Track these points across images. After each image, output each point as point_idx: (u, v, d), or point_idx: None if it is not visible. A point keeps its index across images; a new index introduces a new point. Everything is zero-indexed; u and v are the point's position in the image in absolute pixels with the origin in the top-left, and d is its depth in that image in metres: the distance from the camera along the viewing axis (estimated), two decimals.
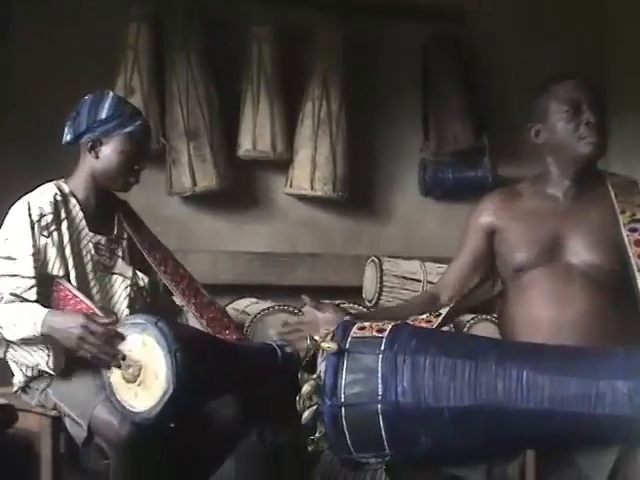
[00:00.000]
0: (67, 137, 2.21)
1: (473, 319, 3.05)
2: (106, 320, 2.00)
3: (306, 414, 1.61)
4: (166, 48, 3.34)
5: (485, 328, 2.95)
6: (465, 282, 2.10)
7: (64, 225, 2.15)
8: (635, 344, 1.71)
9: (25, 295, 2.06)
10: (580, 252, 1.95)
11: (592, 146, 1.94)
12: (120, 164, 2.19)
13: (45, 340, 2.02)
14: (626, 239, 1.88)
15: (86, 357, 2.00)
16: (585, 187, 2.02)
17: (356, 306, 3.13)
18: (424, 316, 1.94)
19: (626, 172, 2.20)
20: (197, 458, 2.19)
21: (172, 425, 2.01)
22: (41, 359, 2.06)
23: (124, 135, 2.17)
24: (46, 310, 2.02)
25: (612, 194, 1.99)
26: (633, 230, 1.89)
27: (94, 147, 2.19)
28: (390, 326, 1.67)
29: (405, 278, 3.25)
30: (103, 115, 2.17)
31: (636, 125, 3.58)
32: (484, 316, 3.03)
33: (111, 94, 2.23)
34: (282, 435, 2.67)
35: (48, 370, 2.07)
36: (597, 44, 3.76)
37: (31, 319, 2.00)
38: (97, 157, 2.19)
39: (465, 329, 3.01)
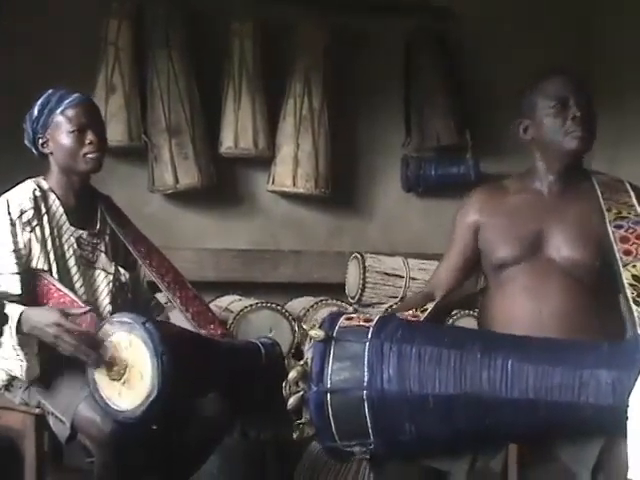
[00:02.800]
0: (33, 150, 2.24)
1: (456, 314, 3.05)
2: (79, 311, 1.99)
3: (292, 400, 1.61)
4: (147, 45, 3.33)
5: (468, 323, 2.95)
6: (457, 280, 2.12)
7: (45, 219, 2.15)
8: (612, 338, 1.74)
9: (10, 291, 2.05)
10: (561, 247, 1.97)
11: (578, 141, 1.95)
12: (69, 144, 2.17)
13: (24, 341, 2.00)
14: (612, 236, 1.89)
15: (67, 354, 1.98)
16: (570, 184, 2.03)
17: (339, 302, 3.13)
18: (410, 312, 1.94)
19: (610, 169, 2.22)
20: (180, 455, 2.18)
21: (154, 427, 2.00)
22: (15, 366, 2.04)
23: (59, 117, 2.18)
24: (21, 308, 2.00)
25: (598, 191, 2.00)
26: (619, 227, 1.91)
27: (45, 145, 2.20)
28: (377, 317, 1.67)
29: (388, 274, 3.25)
30: (35, 113, 2.20)
31: (620, 123, 3.60)
32: (467, 311, 3.04)
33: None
34: (266, 432, 2.67)
35: (21, 378, 2.06)
36: (582, 43, 3.78)
37: (10, 323, 1.98)
38: (52, 152, 2.20)
39: (448, 323, 3.02)
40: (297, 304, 3.20)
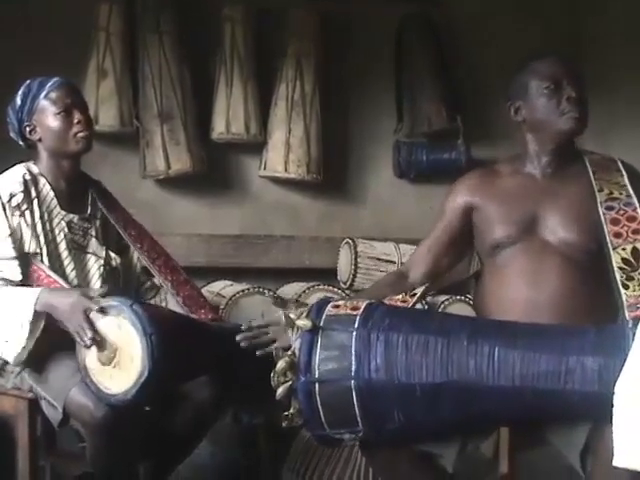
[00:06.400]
0: (20, 142, 2.25)
1: (447, 300, 3.07)
2: (100, 291, 2.02)
3: (280, 390, 1.62)
4: (139, 30, 3.31)
5: (460, 308, 2.97)
6: (437, 261, 2.09)
7: (35, 203, 2.16)
8: (608, 321, 1.73)
9: (9, 277, 2.06)
10: (556, 229, 1.96)
11: (574, 121, 1.94)
12: (58, 126, 2.18)
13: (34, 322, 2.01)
14: (602, 217, 1.88)
15: (60, 339, 1.99)
16: (563, 165, 2.02)
17: (331, 288, 3.14)
18: (399, 296, 1.94)
19: (602, 152, 2.21)
20: (172, 440, 2.20)
21: (147, 409, 2.01)
22: (2, 348, 2.05)
23: (43, 102, 2.19)
24: (39, 289, 2.03)
25: (590, 172, 1.99)
26: (610, 208, 1.89)
27: (32, 132, 2.21)
28: (364, 304, 1.68)
29: (380, 260, 3.26)
30: (18, 102, 2.20)
31: (611, 106, 3.61)
32: (458, 297, 3.05)
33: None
34: (258, 416, 2.68)
35: (8, 360, 2.07)
36: (573, 26, 3.78)
37: (24, 301, 2.00)
38: (40, 138, 2.21)
39: (439, 310, 3.03)
40: (289, 289, 3.21)
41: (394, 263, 3.24)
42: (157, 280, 2.35)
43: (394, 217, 3.66)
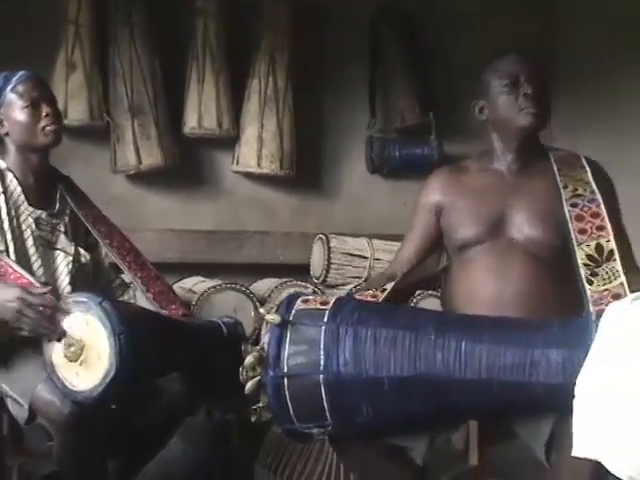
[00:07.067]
0: None
1: (419, 295, 3.07)
2: (42, 290, 1.98)
3: (249, 385, 1.62)
4: (109, 23, 3.29)
5: (431, 303, 2.97)
6: (420, 260, 2.11)
7: (1, 199, 2.13)
8: (573, 316, 1.74)
9: None
10: (522, 227, 1.97)
11: (531, 117, 1.95)
12: (25, 119, 2.15)
13: None
14: (567, 214, 1.89)
15: (25, 335, 1.97)
16: (529, 162, 2.03)
17: (304, 283, 3.14)
18: (370, 292, 1.94)
19: (566, 145, 2.22)
20: (141, 437, 2.18)
21: (114, 407, 2.00)
22: None
23: (10, 95, 2.16)
24: None
25: (555, 168, 2.01)
26: (574, 205, 1.91)
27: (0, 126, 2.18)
28: (334, 299, 1.68)
29: (352, 255, 3.26)
30: None
31: (579, 103, 3.64)
32: (430, 292, 3.06)
33: None
34: (231, 413, 2.67)
35: None
36: (546, 25, 3.80)
37: None
38: (7, 132, 2.18)
39: (412, 304, 3.03)
40: (262, 285, 3.20)
41: (366, 258, 3.25)
42: (127, 276, 2.33)
43: (367, 212, 3.67)
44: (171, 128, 3.35)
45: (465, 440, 1.89)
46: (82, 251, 2.25)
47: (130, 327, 1.92)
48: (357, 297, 1.87)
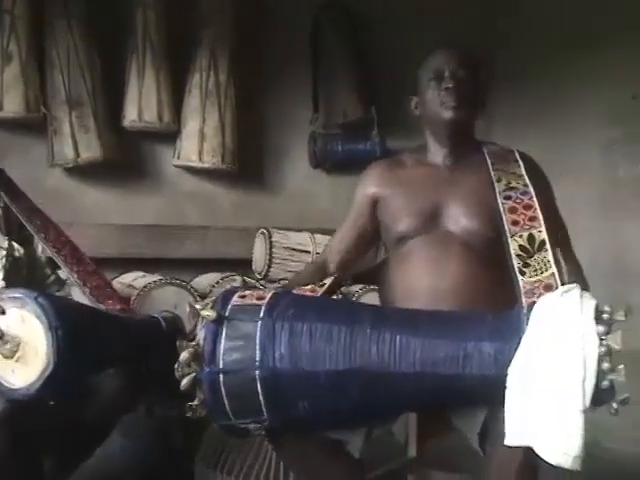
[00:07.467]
0: None
1: (361, 289, 3.09)
2: None
3: (184, 381, 1.60)
4: (46, 13, 3.23)
5: (373, 298, 2.99)
6: (351, 252, 2.12)
7: None
8: (508, 307, 1.77)
9: None
10: (458, 219, 1.99)
11: (451, 111, 1.97)
12: None
13: None
14: (501, 207, 1.92)
15: None
16: (463, 155, 2.06)
17: (246, 278, 3.13)
18: (309, 287, 1.94)
19: (510, 145, 2.25)
20: (78, 434, 2.15)
21: (51, 403, 1.96)
22: None
23: None
24: None
25: (489, 162, 2.03)
26: (508, 198, 1.93)
27: None
28: (270, 294, 1.67)
29: (295, 250, 3.26)
30: None
31: (515, 98, 3.70)
32: (372, 286, 3.07)
33: None
34: (172, 409, 2.65)
35: None
36: (485, 22, 3.85)
37: None
38: None
39: (354, 299, 3.05)
40: (203, 280, 3.18)
41: (309, 253, 3.25)
42: (63, 272, 2.29)
43: (310, 207, 3.67)
44: (111, 121, 3.30)
45: (406, 433, 1.91)
46: (16, 245, 2.21)
47: (67, 322, 1.89)
48: (295, 292, 1.86)
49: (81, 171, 3.33)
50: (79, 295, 2.27)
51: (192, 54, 3.42)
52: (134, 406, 2.36)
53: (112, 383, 2.12)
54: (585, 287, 1.66)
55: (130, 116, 3.32)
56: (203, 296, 2.96)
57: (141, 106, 3.30)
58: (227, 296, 1.66)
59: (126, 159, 3.40)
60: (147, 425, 2.77)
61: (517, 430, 1.48)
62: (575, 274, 1.89)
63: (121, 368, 2.12)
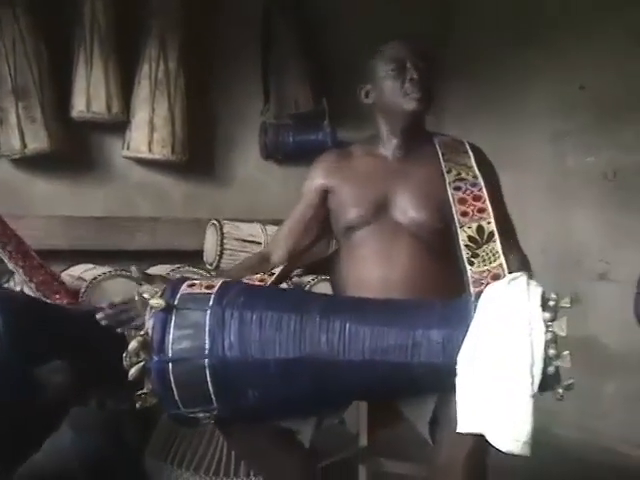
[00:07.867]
0: None
1: (313, 279, 3.10)
2: None
3: (133, 371, 1.59)
4: None
5: (325, 288, 3.00)
6: (297, 242, 2.11)
7: None
8: (457, 297, 1.79)
9: None
10: (407, 210, 2.00)
11: (416, 102, 1.99)
12: None
13: None
14: (451, 197, 1.93)
15: None
16: (414, 146, 2.07)
17: (197, 270, 3.11)
18: (258, 276, 1.94)
19: (460, 135, 2.27)
20: (24, 427, 2.11)
21: None
22: None
23: None
24: None
25: (439, 153, 2.05)
26: (457, 189, 1.95)
27: None
28: (219, 283, 1.66)
29: (246, 241, 3.25)
30: None
31: (465, 89, 3.73)
32: (323, 277, 3.08)
33: None
34: (124, 402, 2.62)
35: None
36: (437, 12, 3.87)
37: None
38: None
39: (305, 289, 3.06)
40: (154, 272, 3.15)
41: (260, 244, 3.24)
42: (8, 266, 2.25)
43: (261, 198, 3.66)
44: (58, 112, 3.25)
45: (357, 422, 1.91)
46: None
47: (10, 313, 1.87)
48: (244, 281, 1.86)
49: (28, 162, 3.27)
50: (26, 287, 2.23)
51: (141, 44, 3.37)
52: (84, 399, 2.33)
53: (60, 375, 2.09)
54: (530, 276, 1.68)
55: (78, 106, 3.27)
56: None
57: (89, 96, 3.25)
58: (176, 285, 1.64)
59: (74, 150, 3.35)
60: (98, 418, 2.74)
61: (469, 417, 1.50)
62: (521, 263, 1.93)
63: (68, 361, 2.10)
